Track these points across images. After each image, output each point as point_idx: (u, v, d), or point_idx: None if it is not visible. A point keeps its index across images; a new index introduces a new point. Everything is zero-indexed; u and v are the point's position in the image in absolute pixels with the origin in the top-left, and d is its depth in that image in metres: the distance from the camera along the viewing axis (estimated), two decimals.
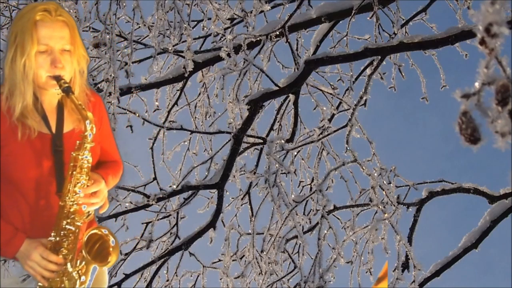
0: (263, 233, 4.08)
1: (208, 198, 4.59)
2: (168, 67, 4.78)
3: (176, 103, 4.60)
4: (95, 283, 2.09)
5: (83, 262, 1.96)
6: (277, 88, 3.82)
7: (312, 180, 4.58)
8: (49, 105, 1.95)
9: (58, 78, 1.86)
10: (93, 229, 1.97)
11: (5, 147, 1.87)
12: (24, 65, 1.83)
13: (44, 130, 1.92)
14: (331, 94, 4.60)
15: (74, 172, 1.90)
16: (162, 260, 4.23)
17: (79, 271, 1.95)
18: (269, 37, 3.81)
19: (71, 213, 1.93)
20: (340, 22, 4.28)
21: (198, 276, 4.56)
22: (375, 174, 3.81)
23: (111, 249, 1.95)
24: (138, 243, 4.26)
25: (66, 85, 1.85)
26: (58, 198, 1.94)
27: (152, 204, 4.01)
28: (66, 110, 1.96)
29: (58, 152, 1.92)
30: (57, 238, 1.92)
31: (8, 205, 1.93)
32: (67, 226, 1.93)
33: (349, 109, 4.15)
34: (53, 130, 1.92)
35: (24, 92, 1.85)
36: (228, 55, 3.63)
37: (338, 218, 4.38)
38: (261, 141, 4.32)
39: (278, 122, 4.76)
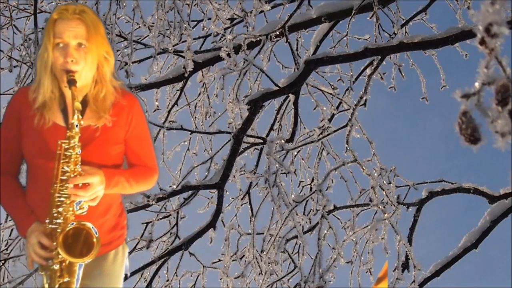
0: (263, 233, 4.08)
1: (208, 198, 4.59)
2: (168, 67, 4.78)
3: (176, 103, 4.59)
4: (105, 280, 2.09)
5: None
6: (277, 88, 3.82)
7: (312, 180, 4.57)
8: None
9: (68, 71, 1.95)
10: (75, 224, 1.93)
11: (25, 131, 2.04)
12: (45, 59, 1.98)
13: (60, 122, 2.02)
14: (331, 94, 4.60)
15: (61, 161, 1.94)
16: (162, 260, 4.23)
17: (62, 264, 1.93)
18: (269, 37, 3.81)
19: (60, 202, 1.95)
20: (340, 22, 4.28)
21: (198, 276, 4.56)
22: (375, 174, 3.81)
23: (94, 240, 1.90)
24: (138, 243, 4.26)
25: (71, 77, 1.94)
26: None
27: (152, 204, 4.01)
28: (89, 108, 2.03)
29: None
30: (51, 226, 1.95)
31: (28, 186, 2.07)
32: (57, 215, 1.95)
33: (349, 109, 4.15)
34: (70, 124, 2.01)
35: (45, 84, 2.00)
36: (228, 55, 3.63)
37: (338, 218, 4.39)
38: (261, 141, 4.32)
39: (278, 122, 4.76)
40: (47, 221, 1.95)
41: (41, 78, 2.00)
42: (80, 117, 1.94)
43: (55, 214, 1.94)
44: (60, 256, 1.91)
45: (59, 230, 1.92)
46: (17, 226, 2.08)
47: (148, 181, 2.18)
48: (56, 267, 1.92)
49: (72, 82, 1.93)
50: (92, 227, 1.91)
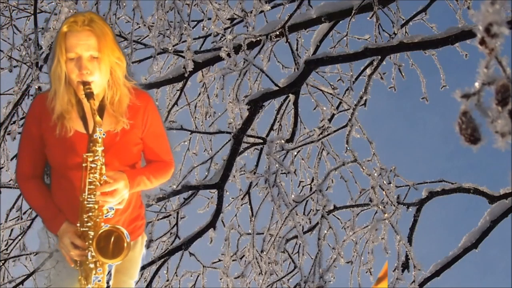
0: (263, 233, 4.08)
1: (208, 198, 4.59)
2: (168, 67, 4.78)
3: (176, 103, 4.60)
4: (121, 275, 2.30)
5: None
6: (277, 88, 3.82)
7: (312, 180, 4.57)
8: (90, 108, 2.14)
9: (84, 83, 2.04)
10: (109, 226, 2.09)
11: (47, 140, 2.14)
12: (59, 72, 2.05)
13: (81, 130, 2.13)
14: (331, 94, 4.59)
15: (88, 172, 2.07)
16: (162, 260, 4.23)
17: (97, 263, 2.11)
18: (269, 37, 3.81)
19: (89, 208, 2.10)
20: (340, 22, 4.28)
21: (198, 276, 4.56)
22: (375, 174, 3.81)
23: (125, 244, 2.06)
24: None
25: (89, 90, 2.03)
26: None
27: (152, 204, 4.01)
28: (106, 113, 2.12)
29: None
30: (82, 229, 2.11)
31: (54, 187, 2.21)
32: (88, 220, 2.10)
33: (349, 109, 4.15)
34: (90, 130, 2.10)
35: (61, 95, 2.08)
36: (228, 55, 3.63)
37: (338, 218, 4.38)
38: (261, 141, 4.32)
39: (278, 122, 4.76)
40: (78, 224, 2.11)
41: (56, 89, 2.08)
42: (102, 130, 2.05)
43: (85, 219, 2.10)
44: (93, 255, 2.09)
45: (91, 233, 2.09)
46: (47, 225, 2.24)
47: (166, 175, 2.30)
48: (92, 265, 2.11)
49: (89, 96, 2.02)
50: (125, 233, 2.06)
